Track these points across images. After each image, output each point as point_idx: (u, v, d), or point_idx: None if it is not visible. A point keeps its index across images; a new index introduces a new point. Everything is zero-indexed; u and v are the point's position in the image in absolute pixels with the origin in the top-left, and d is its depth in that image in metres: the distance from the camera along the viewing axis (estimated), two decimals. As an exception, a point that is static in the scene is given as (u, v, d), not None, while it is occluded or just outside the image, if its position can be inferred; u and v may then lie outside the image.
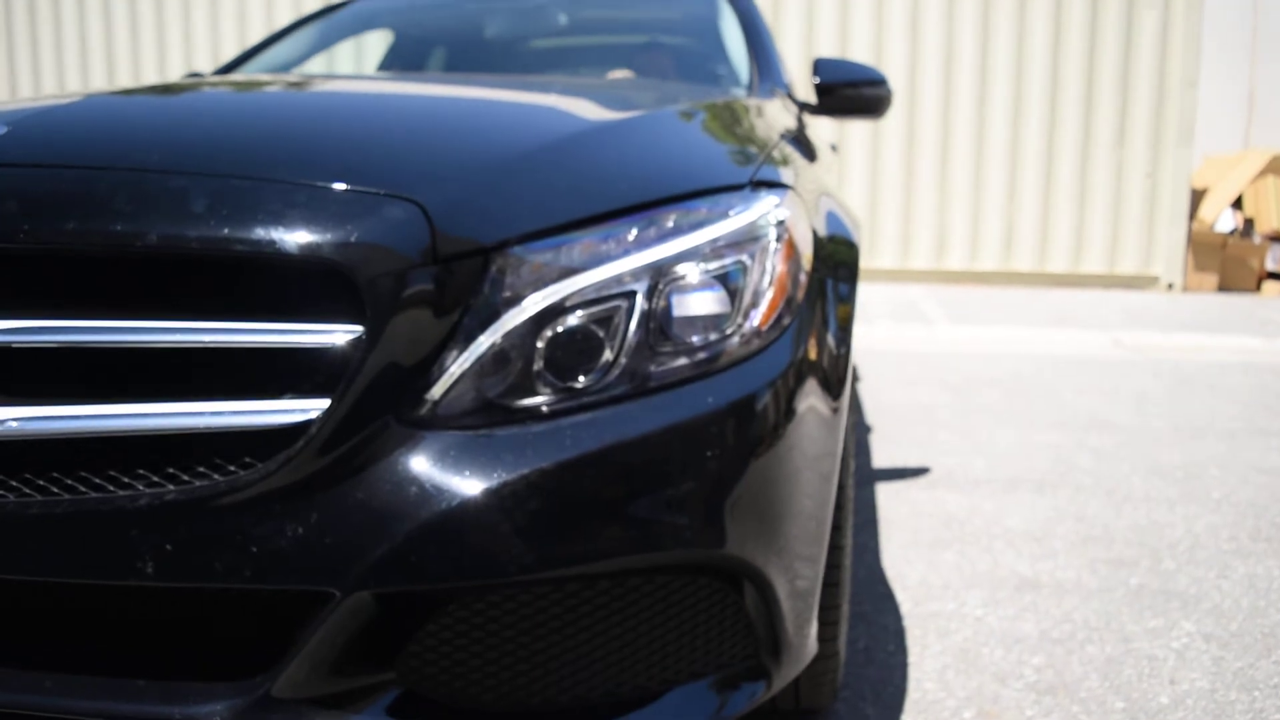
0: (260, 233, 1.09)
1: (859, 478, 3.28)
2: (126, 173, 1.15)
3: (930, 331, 6.63)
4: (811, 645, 1.36)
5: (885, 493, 3.12)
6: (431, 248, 1.12)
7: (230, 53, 10.11)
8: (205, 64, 10.18)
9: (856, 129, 9.43)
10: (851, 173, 9.55)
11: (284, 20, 9.94)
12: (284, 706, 1.09)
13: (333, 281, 1.10)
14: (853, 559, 2.53)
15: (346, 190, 1.14)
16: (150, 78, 10.38)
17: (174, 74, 10.31)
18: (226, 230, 1.09)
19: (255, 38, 10.09)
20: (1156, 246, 9.39)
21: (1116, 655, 2.03)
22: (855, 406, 1.45)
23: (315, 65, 3.07)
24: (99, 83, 10.46)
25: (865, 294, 7.98)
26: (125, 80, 10.41)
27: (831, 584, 1.49)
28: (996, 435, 3.87)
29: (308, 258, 1.09)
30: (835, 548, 1.48)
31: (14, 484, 1.12)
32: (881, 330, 6.61)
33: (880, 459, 3.54)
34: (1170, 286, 9.36)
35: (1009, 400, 4.52)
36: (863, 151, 9.54)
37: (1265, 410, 4.38)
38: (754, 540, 1.21)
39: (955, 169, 9.50)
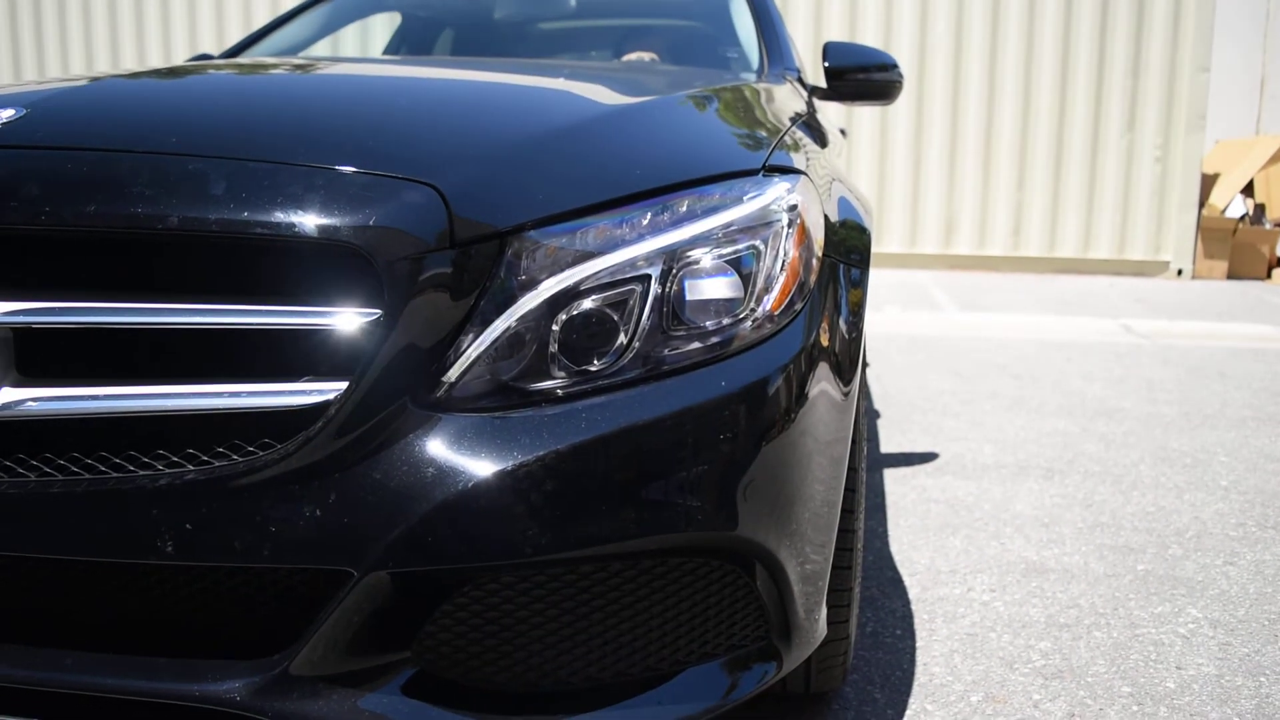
0: (279, 216, 1.10)
1: (868, 463, 3.28)
2: (146, 156, 1.16)
3: (939, 317, 6.62)
4: (821, 627, 1.38)
5: (893, 478, 3.13)
6: (449, 231, 1.13)
7: (236, 34, 10.10)
8: (210, 46, 10.17)
9: (864, 112, 9.40)
10: (859, 157, 9.52)
11: (289, 2, 9.92)
12: (301, 684, 1.11)
13: (351, 265, 1.11)
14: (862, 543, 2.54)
15: (364, 174, 1.15)
16: (155, 59, 10.37)
17: (179, 56, 10.30)
18: (246, 213, 1.10)
19: (261, 18, 10.07)
20: (1166, 232, 9.36)
21: (1123, 640, 2.04)
22: (864, 392, 1.46)
23: (323, 48, 3.07)
24: (103, 63, 10.45)
25: (873, 279, 7.97)
26: (130, 61, 10.41)
27: (842, 567, 1.50)
28: (1005, 421, 3.88)
29: (326, 241, 1.10)
30: (846, 531, 1.49)
31: (35, 463, 1.13)
32: (890, 316, 6.61)
33: (889, 445, 3.54)
34: (1180, 273, 9.33)
35: (1018, 386, 4.52)
36: (871, 135, 9.52)
37: (1275, 398, 4.37)
38: (766, 523, 1.22)
39: (964, 153, 9.47)
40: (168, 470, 1.11)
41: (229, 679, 1.11)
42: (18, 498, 1.11)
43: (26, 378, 1.13)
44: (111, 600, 1.17)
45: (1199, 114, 9.20)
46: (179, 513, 1.09)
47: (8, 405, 1.11)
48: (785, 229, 1.30)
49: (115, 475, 1.11)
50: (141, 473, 1.11)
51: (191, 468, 1.11)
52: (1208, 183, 9.84)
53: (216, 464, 1.10)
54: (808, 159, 1.56)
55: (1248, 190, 9.83)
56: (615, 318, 1.19)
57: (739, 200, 1.29)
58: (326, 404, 1.10)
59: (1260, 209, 9.67)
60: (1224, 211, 9.57)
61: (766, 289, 1.26)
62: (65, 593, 1.17)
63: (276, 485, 1.09)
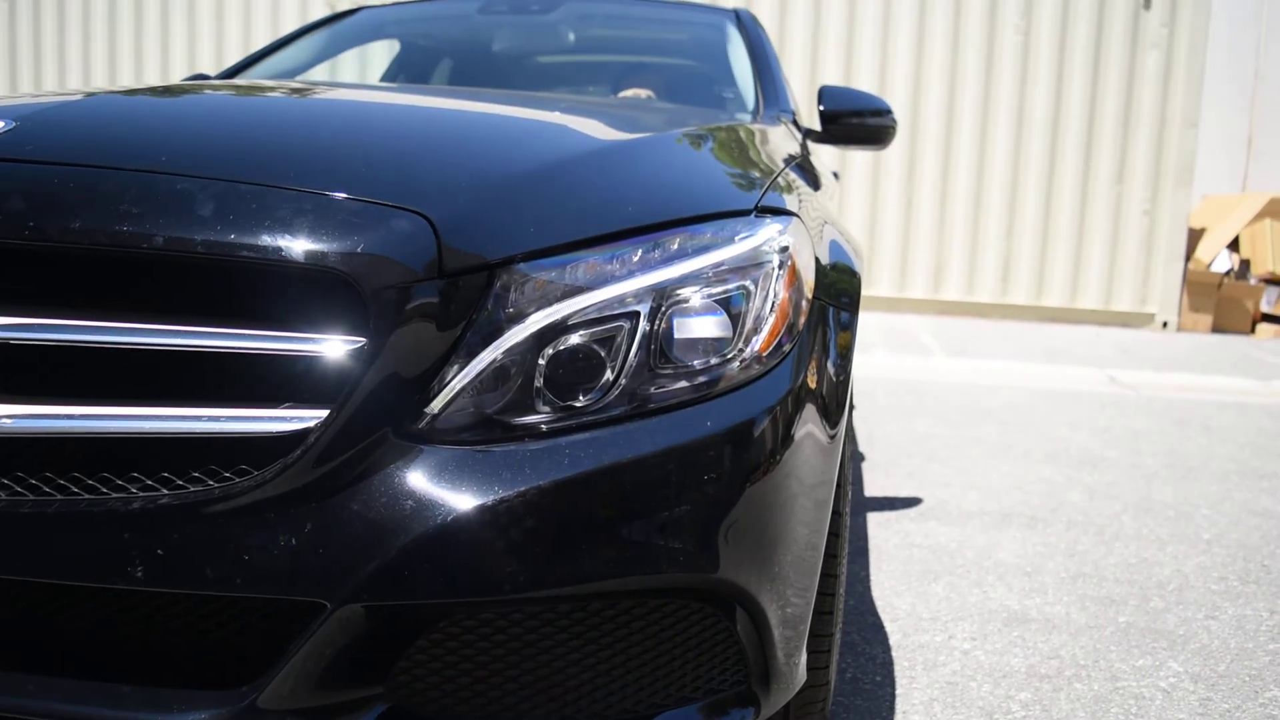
0: (266, 239, 1.09)
1: (851, 506, 3.27)
2: (134, 174, 1.15)
3: (926, 362, 6.64)
4: (801, 673, 1.36)
5: (877, 522, 3.12)
6: (437, 261, 1.12)
7: (234, 55, 10.13)
8: (209, 66, 10.19)
9: (857, 156, 9.46)
10: (851, 200, 9.58)
11: (289, 24, 9.96)
12: (269, 718, 1.08)
13: (337, 291, 1.10)
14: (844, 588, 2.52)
15: (355, 200, 1.14)
16: (153, 78, 10.39)
17: (177, 75, 10.32)
18: (233, 235, 1.08)
19: (260, 40, 10.11)
20: (1152, 285, 9.43)
21: (1104, 693, 2.02)
22: (850, 436, 1.45)
23: (321, 72, 3.07)
24: (101, 81, 10.46)
25: (862, 322, 7.97)
26: (127, 79, 10.42)
27: (824, 612, 1.48)
28: (990, 468, 3.87)
29: (313, 266, 1.09)
30: (829, 575, 1.47)
31: (6, 482, 1.11)
32: (878, 359, 6.62)
33: (873, 489, 3.53)
34: (1165, 325, 9.39)
35: (1003, 433, 4.53)
36: (862, 179, 9.58)
37: (1258, 452, 4.38)
38: (748, 566, 1.20)
39: (955, 201, 9.54)
40: (141, 494, 1.09)
41: (195, 710, 1.08)
42: (-14, 517, 1.09)
43: (1, 394, 1.11)
44: (77, 625, 1.14)
45: (1187, 169, 9.30)
46: (151, 537, 1.07)
47: (-19, 422, 1.09)
48: (776, 270, 1.29)
49: (88, 497, 1.09)
50: (114, 495, 1.09)
51: (166, 492, 1.09)
52: (1194, 237, 9.93)
53: (191, 489, 1.08)
54: (800, 201, 1.56)
55: (1233, 245, 9.93)
56: (602, 354, 1.18)
57: (730, 240, 1.28)
58: (306, 431, 1.08)
59: (1245, 264, 9.75)
60: (1210, 266, 9.65)
61: (755, 330, 1.25)
62: (29, 616, 1.14)
63: (252, 513, 1.07)
